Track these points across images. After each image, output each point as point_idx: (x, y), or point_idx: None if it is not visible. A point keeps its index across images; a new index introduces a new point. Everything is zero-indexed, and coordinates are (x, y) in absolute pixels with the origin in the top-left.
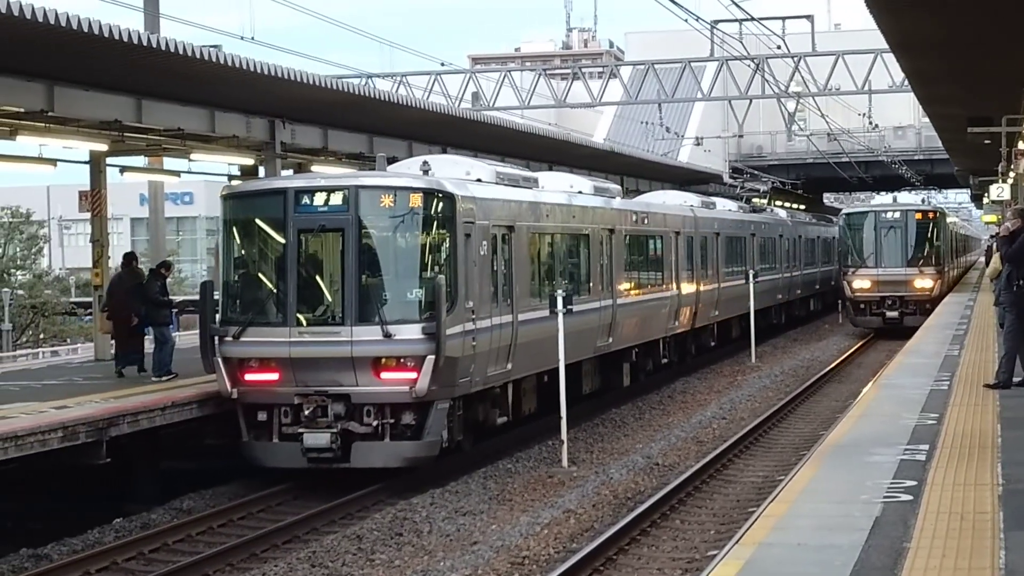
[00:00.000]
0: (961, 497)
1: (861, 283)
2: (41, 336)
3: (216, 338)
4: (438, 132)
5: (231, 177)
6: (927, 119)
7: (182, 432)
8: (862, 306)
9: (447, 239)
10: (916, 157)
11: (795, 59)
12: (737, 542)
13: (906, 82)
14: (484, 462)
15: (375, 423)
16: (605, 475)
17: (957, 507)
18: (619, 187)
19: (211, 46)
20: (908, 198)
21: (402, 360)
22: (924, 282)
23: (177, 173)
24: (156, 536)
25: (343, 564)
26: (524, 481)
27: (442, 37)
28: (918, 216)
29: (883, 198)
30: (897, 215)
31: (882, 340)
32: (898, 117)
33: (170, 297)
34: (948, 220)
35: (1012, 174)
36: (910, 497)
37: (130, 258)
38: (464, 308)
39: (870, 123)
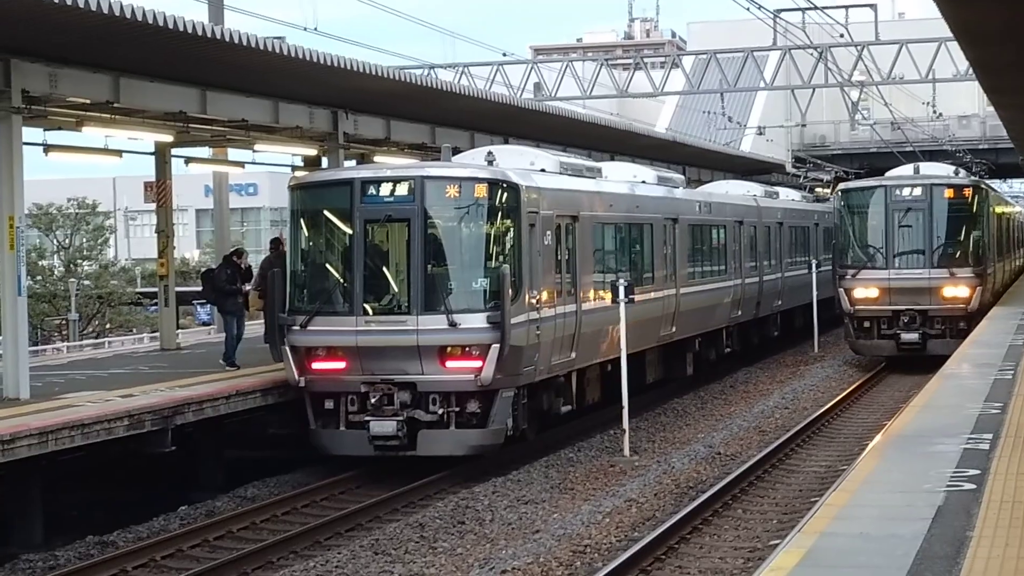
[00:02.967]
0: None
1: (865, 291)
2: (107, 326)
3: (284, 327)
4: (500, 123)
5: (294, 168)
6: (992, 108)
7: (246, 421)
8: (867, 324)
9: (512, 229)
10: (981, 146)
11: (858, 48)
12: (799, 531)
13: (970, 71)
14: (546, 451)
15: (441, 411)
16: (667, 464)
17: (1021, 496)
18: (682, 177)
19: (275, 37)
20: (936, 168)
21: (467, 349)
22: (957, 290)
23: (241, 164)
24: (220, 523)
25: (406, 551)
26: (586, 470)
27: (504, 28)
28: (949, 193)
29: (902, 169)
30: (918, 191)
31: None
32: (963, 106)
33: (240, 285)
34: (994, 200)
35: None
36: (973, 486)
37: (277, 242)
38: (528, 297)
39: (934, 112)
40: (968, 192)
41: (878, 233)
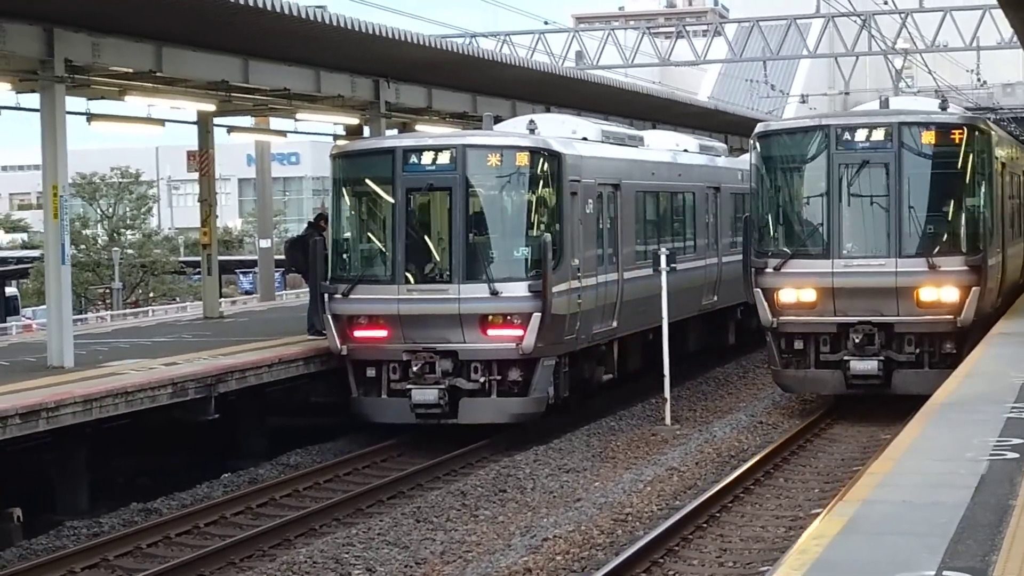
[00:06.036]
0: None
1: (796, 293)
2: (151, 295)
3: (326, 296)
4: (542, 91)
5: (336, 137)
6: None
7: (289, 389)
8: (798, 345)
9: (553, 197)
10: None
11: (902, 15)
12: (841, 499)
13: (1015, 38)
14: (587, 419)
15: (482, 380)
16: (709, 433)
17: None
18: (724, 145)
19: (316, 6)
20: (913, 103)
21: (509, 317)
22: (941, 291)
23: (283, 133)
24: (263, 491)
25: (447, 519)
26: (627, 439)
27: None
28: (928, 136)
29: (865, 105)
30: (879, 135)
31: None
32: (1007, 73)
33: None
34: (1002, 148)
35: None
36: (1016, 455)
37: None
38: (570, 266)
39: (978, 80)
40: (959, 136)
41: (816, 202)
